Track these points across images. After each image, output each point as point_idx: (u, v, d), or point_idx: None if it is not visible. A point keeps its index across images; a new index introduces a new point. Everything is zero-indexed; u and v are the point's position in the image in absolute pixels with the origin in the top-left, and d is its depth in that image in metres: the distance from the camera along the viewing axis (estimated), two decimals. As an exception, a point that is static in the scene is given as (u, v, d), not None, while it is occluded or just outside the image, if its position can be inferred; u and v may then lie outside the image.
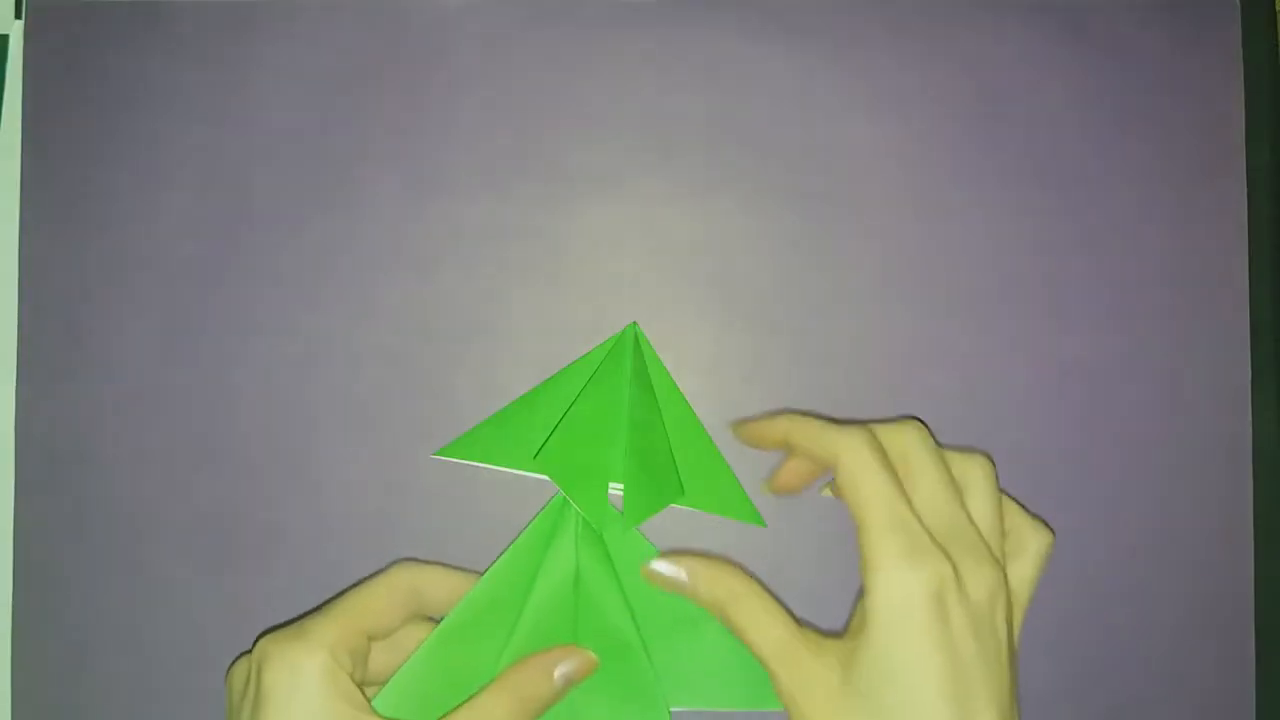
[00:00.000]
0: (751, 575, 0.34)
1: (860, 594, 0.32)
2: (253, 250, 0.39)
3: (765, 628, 0.33)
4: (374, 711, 0.32)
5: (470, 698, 0.33)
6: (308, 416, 0.39)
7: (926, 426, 0.34)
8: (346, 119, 0.39)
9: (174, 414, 0.39)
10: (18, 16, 0.40)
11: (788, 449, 0.36)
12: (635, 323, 0.39)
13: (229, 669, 0.34)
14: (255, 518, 0.38)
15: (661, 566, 0.35)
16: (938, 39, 0.40)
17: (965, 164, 0.39)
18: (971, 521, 0.33)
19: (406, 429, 0.38)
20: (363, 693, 0.32)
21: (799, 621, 0.33)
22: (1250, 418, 0.39)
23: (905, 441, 0.34)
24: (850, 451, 0.33)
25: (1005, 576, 0.32)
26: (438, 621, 0.35)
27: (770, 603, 0.33)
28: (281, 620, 0.37)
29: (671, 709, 0.36)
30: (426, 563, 0.36)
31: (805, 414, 0.36)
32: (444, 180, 0.39)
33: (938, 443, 0.34)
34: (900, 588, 0.31)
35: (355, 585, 0.35)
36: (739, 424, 0.38)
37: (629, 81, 0.39)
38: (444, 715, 0.33)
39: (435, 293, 0.39)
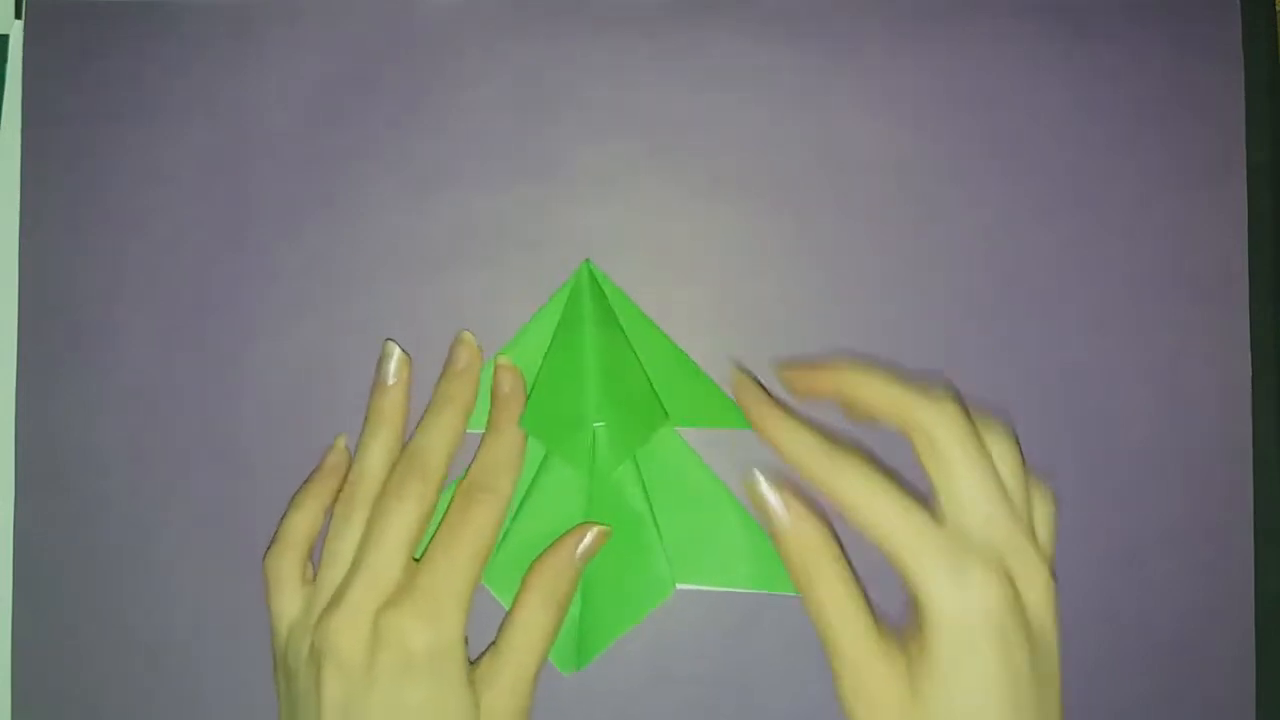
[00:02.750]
0: (838, 541, 0.31)
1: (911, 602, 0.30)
2: (253, 250, 0.39)
3: (847, 621, 0.30)
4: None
5: (508, 615, 0.34)
6: (308, 416, 0.39)
7: (959, 395, 0.32)
8: (346, 119, 0.39)
9: (174, 414, 0.39)
10: (18, 16, 0.40)
11: (843, 403, 0.32)
12: (589, 259, 0.39)
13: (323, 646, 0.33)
14: (255, 518, 0.38)
15: (768, 493, 0.32)
16: (938, 39, 0.40)
17: (965, 164, 0.39)
18: (1015, 514, 0.31)
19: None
20: None
21: (872, 609, 0.31)
22: (1250, 418, 0.39)
23: (941, 423, 0.31)
24: (943, 427, 0.30)
25: (1053, 575, 0.31)
26: None
27: (854, 588, 0.31)
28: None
29: (678, 585, 0.36)
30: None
31: (866, 364, 0.32)
32: (444, 180, 0.39)
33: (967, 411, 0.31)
34: (957, 605, 0.29)
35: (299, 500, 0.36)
36: (785, 366, 0.36)
37: (629, 81, 0.39)
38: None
39: (435, 293, 0.39)
